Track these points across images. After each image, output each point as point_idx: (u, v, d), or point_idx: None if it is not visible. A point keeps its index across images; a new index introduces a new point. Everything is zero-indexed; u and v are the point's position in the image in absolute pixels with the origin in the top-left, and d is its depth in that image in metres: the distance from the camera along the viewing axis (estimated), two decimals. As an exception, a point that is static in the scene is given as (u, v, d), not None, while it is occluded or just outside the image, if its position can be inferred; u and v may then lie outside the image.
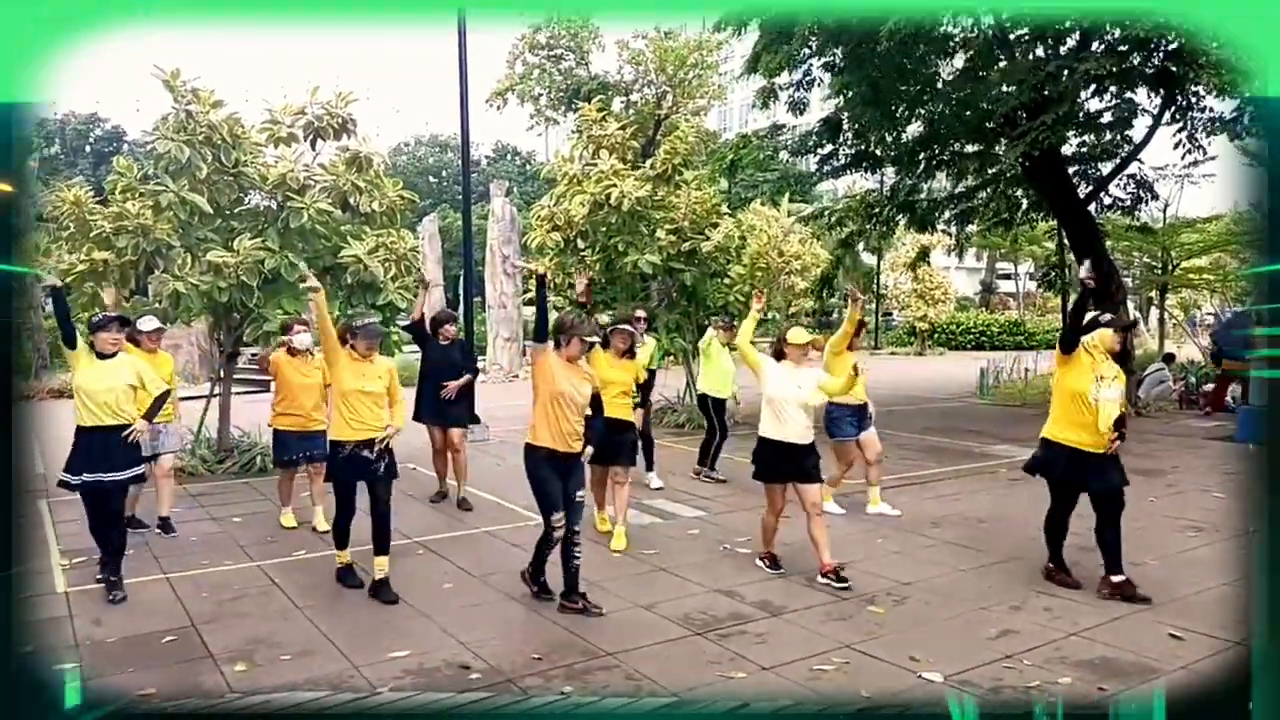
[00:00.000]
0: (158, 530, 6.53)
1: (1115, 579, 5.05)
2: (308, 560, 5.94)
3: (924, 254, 22.56)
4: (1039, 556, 5.64)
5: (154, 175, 8.41)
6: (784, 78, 13.84)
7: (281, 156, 8.89)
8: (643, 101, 26.54)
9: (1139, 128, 13.70)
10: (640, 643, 4.44)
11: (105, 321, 5.20)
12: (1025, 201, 16.20)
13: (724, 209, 12.33)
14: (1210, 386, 14.53)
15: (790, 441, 5.30)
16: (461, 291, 20.17)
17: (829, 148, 14.87)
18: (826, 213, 17.38)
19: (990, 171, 15.35)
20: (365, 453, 5.07)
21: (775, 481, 5.45)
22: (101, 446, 5.03)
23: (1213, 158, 13.69)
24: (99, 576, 5.30)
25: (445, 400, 7.21)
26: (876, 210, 16.03)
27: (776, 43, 13.02)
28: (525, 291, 20.31)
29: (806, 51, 13.44)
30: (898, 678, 4.03)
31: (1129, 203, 15.36)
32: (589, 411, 5.03)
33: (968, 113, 13.16)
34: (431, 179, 49.18)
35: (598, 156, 11.54)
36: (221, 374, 9.44)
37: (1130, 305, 18.47)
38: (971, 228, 18.02)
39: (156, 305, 8.24)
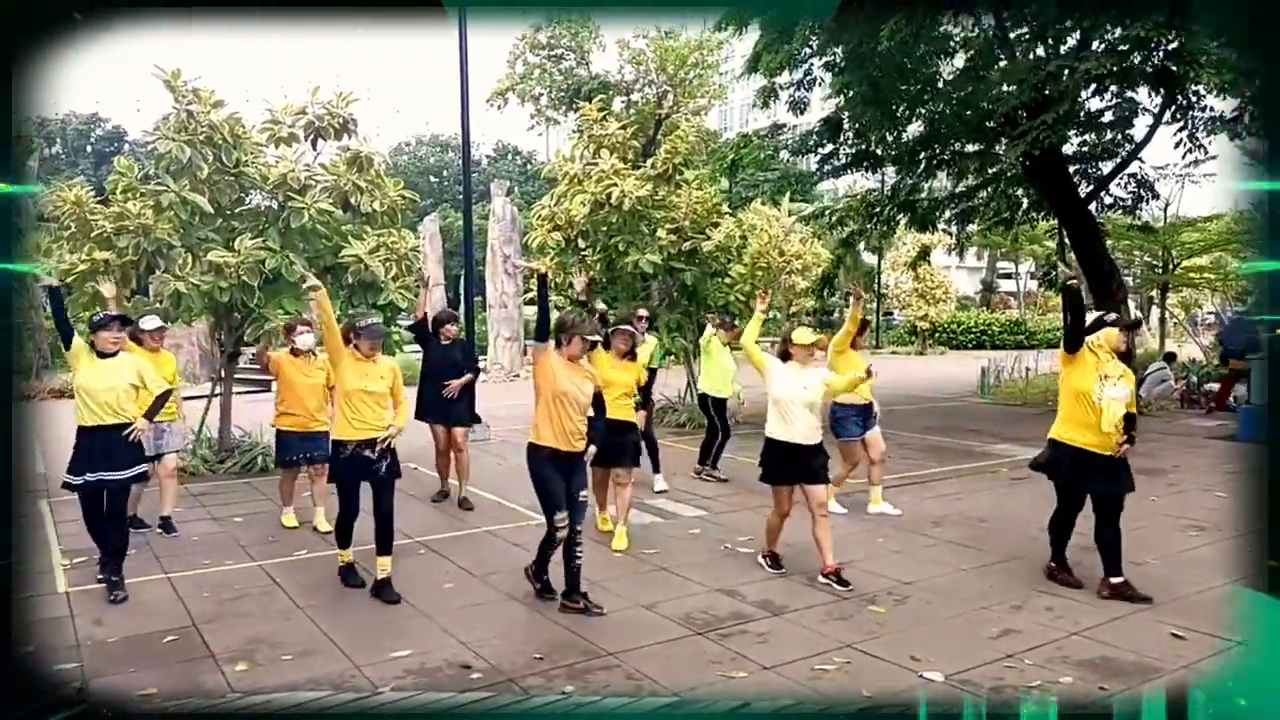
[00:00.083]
0: (159, 530, 6.54)
1: (1114, 580, 5.05)
2: (309, 560, 5.94)
3: (925, 253, 22.55)
4: (1040, 556, 5.64)
5: (155, 175, 8.42)
6: (784, 77, 13.84)
7: (282, 156, 8.89)
8: (643, 101, 26.54)
9: (1140, 127, 13.70)
10: (641, 642, 4.44)
11: (106, 321, 5.20)
12: (1026, 201, 16.19)
13: (725, 208, 12.33)
14: (1212, 385, 14.54)
15: (797, 442, 5.28)
16: (462, 291, 20.17)
17: (829, 147, 14.87)
18: (827, 212, 17.36)
19: (991, 171, 15.34)
20: (368, 452, 5.07)
21: (782, 483, 5.42)
22: (103, 446, 5.03)
23: (1213, 157, 13.69)
24: (100, 576, 5.31)
25: (448, 399, 7.22)
26: (877, 210, 16.02)
27: (777, 42, 13.02)
28: (526, 291, 20.31)
29: (807, 51, 13.45)
30: (899, 677, 4.03)
31: (1130, 202, 15.36)
32: (591, 411, 5.03)
33: (968, 112, 13.16)
34: (432, 179, 49.18)
35: (598, 156, 11.54)
36: (222, 374, 9.45)
37: (1131, 304, 18.46)
38: (972, 227, 18.01)
39: (158, 305, 8.24)
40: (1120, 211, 15.86)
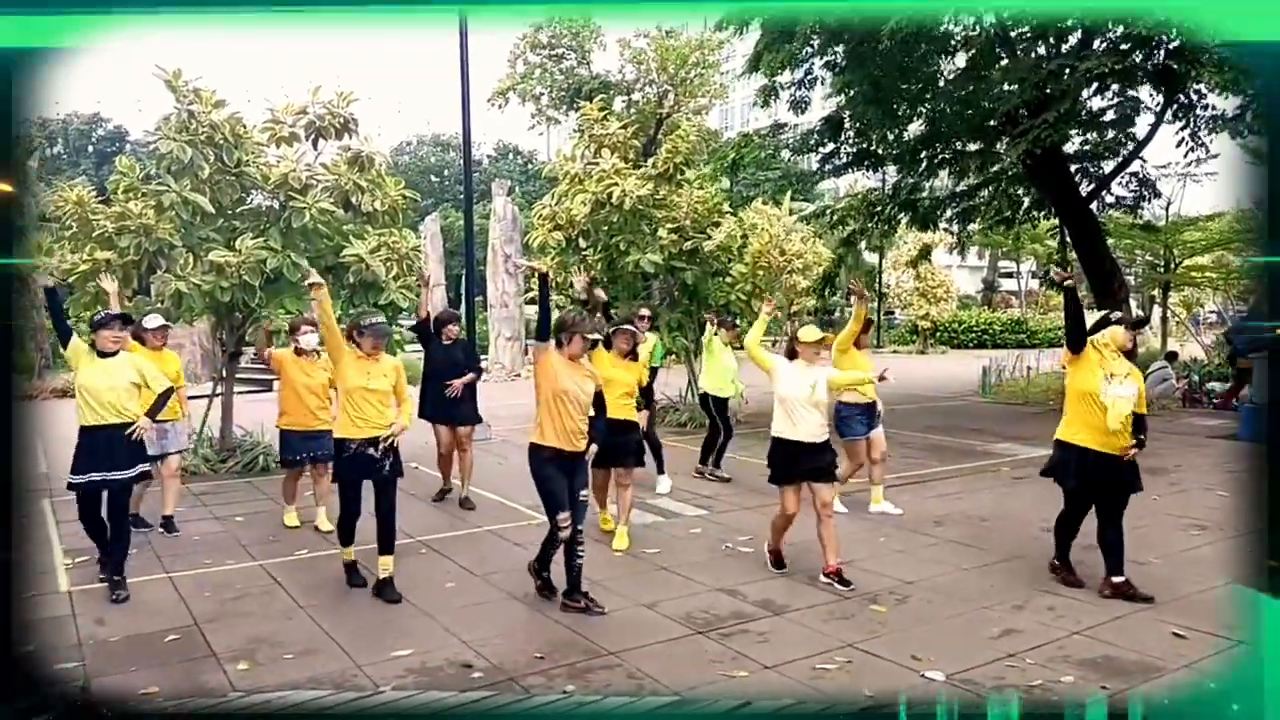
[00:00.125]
0: (161, 529, 6.54)
1: (1116, 580, 5.04)
2: (310, 559, 5.95)
3: (926, 252, 22.53)
4: (1041, 555, 5.64)
5: (156, 175, 8.43)
6: (785, 76, 13.83)
7: (283, 156, 8.90)
8: (644, 100, 26.53)
9: (1141, 125, 13.69)
10: (642, 641, 4.44)
11: (107, 320, 5.21)
12: (1027, 200, 16.18)
13: (725, 208, 12.32)
14: (1215, 385, 14.53)
15: (804, 441, 5.25)
16: (463, 291, 20.18)
17: (830, 146, 14.86)
18: (828, 211, 17.36)
19: (992, 170, 15.33)
20: (370, 451, 5.06)
21: (790, 483, 5.35)
22: (105, 445, 5.04)
23: (1215, 155, 13.67)
24: (101, 576, 5.31)
25: (452, 399, 7.22)
26: (878, 209, 16.01)
27: (778, 42, 13.02)
28: (527, 291, 20.32)
29: (808, 50, 13.44)
30: (900, 677, 4.03)
31: (1131, 201, 15.35)
32: (592, 411, 5.02)
33: (969, 111, 13.15)
34: (433, 178, 49.19)
35: (599, 155, 11.54)
36: (224, 373, 9.46)
37: (1133, 303, 18.44)
38: (973, 226, 17.99)
39: (159, 305, 8.25)
40: (1122, 210, 15.85)
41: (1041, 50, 13.36)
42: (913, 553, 6.05)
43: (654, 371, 7.74)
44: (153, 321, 6.65)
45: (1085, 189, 14.74)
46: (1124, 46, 11.76)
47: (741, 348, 6.84)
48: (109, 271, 8.02)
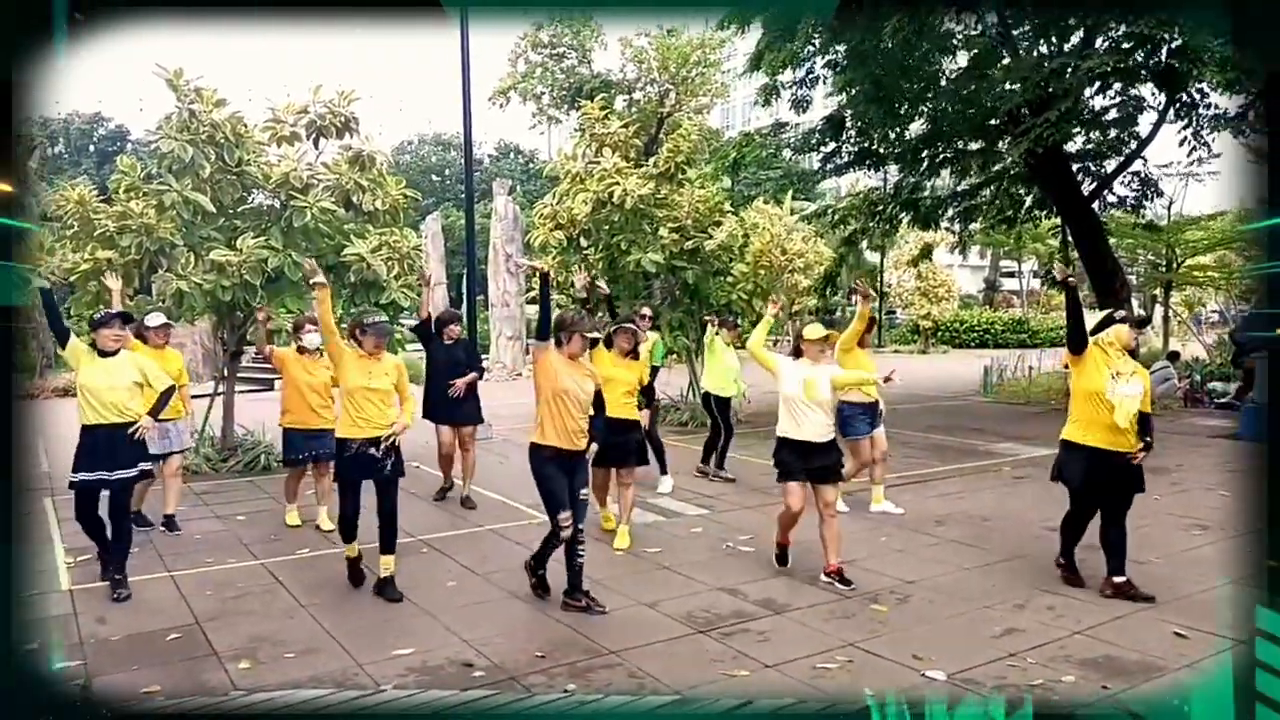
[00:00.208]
0: (162, 528, 6.55)
1: (1117, 580, 5.03)
2: (312, 558, 5.95)
3: (927, 251, 22.51)
4: (1043, 554, 5.64)
5: (157, 174, 8.43)
6: (787, 75, 13.84)
7: (284, 155, 8.90)
8: (645, 99, 26.52)
9: (1144, 124, 13.69)
10: (643, 641, 4.44)
11: (107, 318, 5.20)
12: (1029, 199, 16.18)
13: (727, 207, 12.32)
14: (1216, 384, 14.51)
15: (810, 440, 5.24)
16: (465, 290, 20.19)
17: (832, 145, 14.87)
18: (830, 211, 17.36)
19: (993, 169, 15.33)
20: (372, 451, 5.06)
21: (796, 479, 5.29)
22: (107, 444, 5.04)
23: (1217, 155, 13.67)
24: (103, 575, 5.32)
25: (455, 399, 7.22)
26: (880, 208, 16.01)
27: (779, 41, 13.01)
28: (528, 290, 20.32)
29: (810, 49, 13.44)
30: (901, 676, 4.03)
31: (1134, 200, 15.34)
32: (591, 410, 5.02)
33: (971, 110, 13.15)
34: (434, 178, 49.19)
35: (600, 155, 11.54)
36: (225, 372, 9.46)
37: (1135, 303, 18.43)
38: (975, 225, 18.00)
39: (160, 304, 8.26)
40: (1124, 210, 15.84)
41: (1043, 49, 13.35)
42: (914, 552, 6.05)
43: (655, 370, 7.73)
44: (155, 320, 6.66)
45: (1087, 188, 14.73)
46: (1126, 45, 11.75)
47: (743, 347, 6.83)
48: (112, 270, 8.04)
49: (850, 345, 6.68)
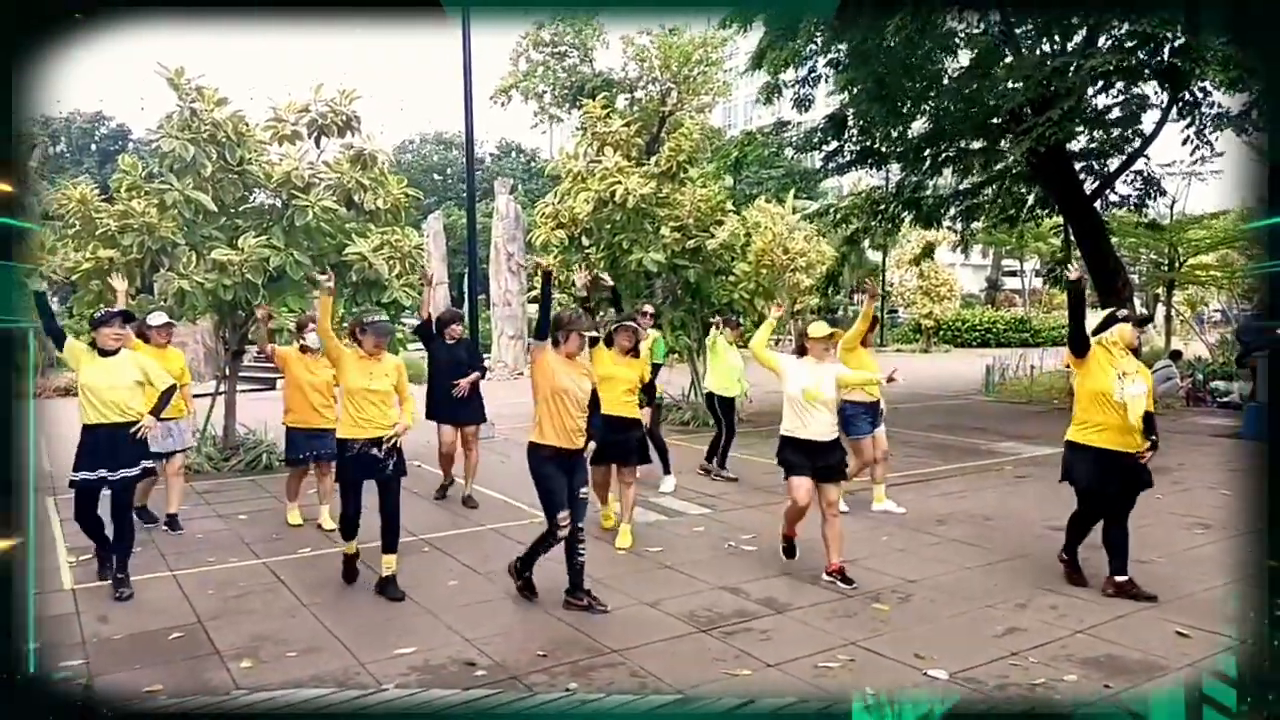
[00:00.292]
0: (164, 527, 6.56)
1: (1119, 579, 5.02)
2: (313, 557, 5.95)
3: (929, 250, 22.48)
4: (1044, 554, 5.63)
5: (159, 173, 8.44)
6: (789, 74, 13.83)
7: (286, 154, 8.90)
8: (647, 98, 26.51)
9: (1147, 123, 13.67)
10: (645, 640, 4.44)
11: (108, 317, 5.20)
12: (1031, 198, 16.17)
13: (729, 206, 12.31)
14: (1219, 383, 14.50)
15: (814, 439, 5.23)
16: (466, 289, 20.20)
17: (834, 144, 14.86)
18: (832, 210, 17.35)
19: (996, 168, 15.32)
20: (374, 451, 5.07)
21: (801, 475, 5.26)
22: (109, 443, 5.04)
23: (1220, 154, 13.64)
24: (100, 573, 5.32)
25: (458, 399, 7.21)
26: (882, 207, 16.00)
27: (781, 39, 13.01)
28: (530, 289, 20.33)
29: (812, 48, 13.43)
30: (903, 675, 4.02)
31: (1136, 199, 15.32)
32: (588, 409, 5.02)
33: (973, 109, 13.14)
34: (436, 176, 49.20)
35: (602, 153, 11.53)
36: (227, 371, 9.47)
37: (1138, 302, 18.40)
38: (977, 224, 17.99)
39: (162, 303, 8.26)
40: (1126, 209, 15.83)
41: (1046, 47, 13.34)
42: (915, 551, 6.05)
43: (656, 368, 7.71)
44: (157, 319, 6.66)
45: (1089, 187, 14.72)
46: (1129, 44, 11.73)
47: (745, 346, 6.82)
48: (115, 270, 8.05)
49: (853, 344, 6.67)
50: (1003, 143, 13.92)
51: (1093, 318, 5.25)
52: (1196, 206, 22.61)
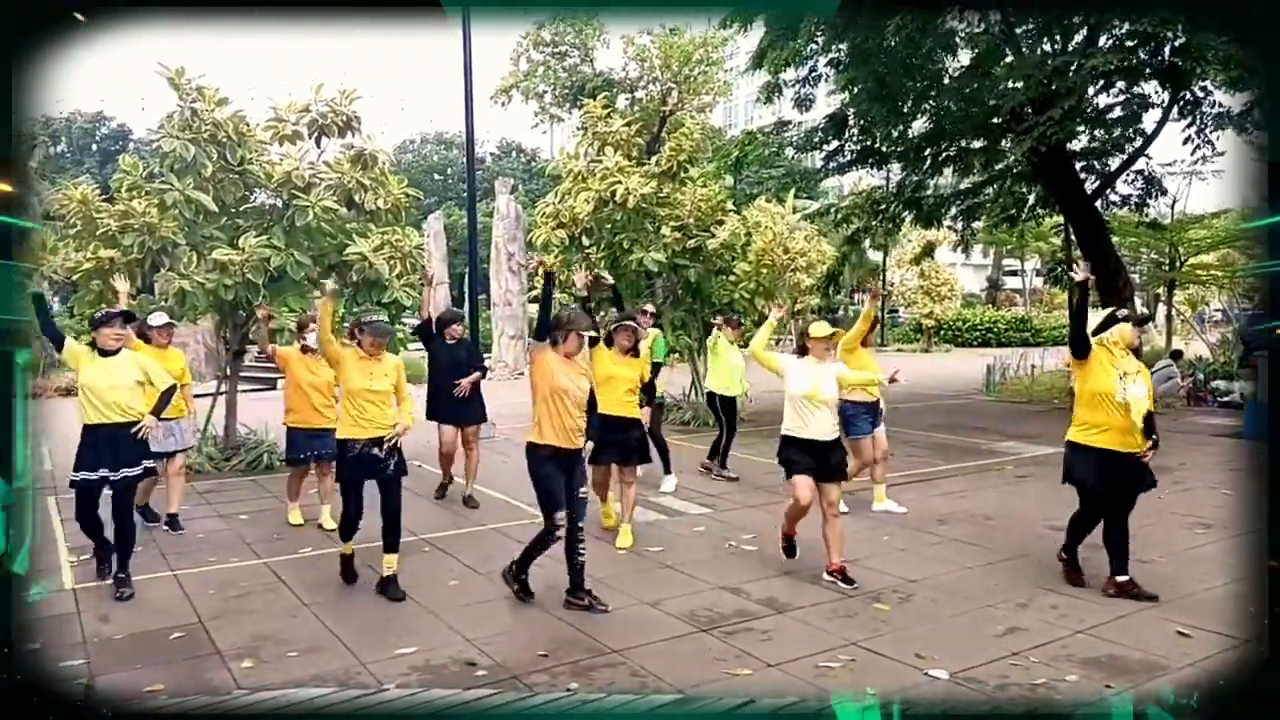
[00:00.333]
0: (165, 527, 6.56)
1: (1120, 579, 5.02)
2: (314, 557, 5.95)
3: (929, 249, 22.46)
4: (1045, 553, 5.63)
5: (159, 173, 8.44)
6: (789, 73, 13.82)
7: (286, 154, 8.90)
8: (648, 98, 26.50)
9: (1148, 122, 13.66)
10: (646, 639, 4.44)
11: (108, 317, 5.19)
12: (1031, 197, 16.16)
13: (729, 206, 12.31)
14: (1219, 383, 14.49)
15: (816, 439, 5.22)
16: (467, 289, 20.20)
17: (834, 144, 14.85)
18: (832, 209, 17.35)
19: (996, 167, 15.31)
20: (375, 451, 5.07)
21: (803, 474, 5.25)
22: (110, 443, 5.04)
23: (1221, 153, 13.63)
24: (99, 573, 5.32)
25: (459, 399, 7.21)
26: (882, 207, 16.00)
27: (782, 39, 13.00)
28: (530, 289, 20.33)
29: (812, 47, 13.42)
30: (903, 675, 4.02)
31: (1137, 198, 15.32)
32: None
33: (974, 108, 13.14)
34: (436, 176, 49.22)
35: (603, 153, 11.53)
36: (228, 371, 9.47)
37: (1138, 301, 18.40)
38: (978, 224, 17.99)
39: (163, 303, 8.27)
40: (1127, 208, 15.82)
41: (1046, 47, 13.33)
42: (916, 551, 6.05)
43: (657, 367, 7.70)
44: (158, 319, 6.66)
45: (1090, 186, 14.71)
46: (1129, 43, 11.73)
47: (747, 345, 6.81)
48: (117, 270, 8.05)
49: (854, 345, 6.66)
50: (1003, 142, 13.92)
51: (1093, 317, 5.25)
52: (1197, 206, 22.57)
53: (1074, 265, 5.19)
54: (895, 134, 14.45)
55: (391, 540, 5.15)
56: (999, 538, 6.35)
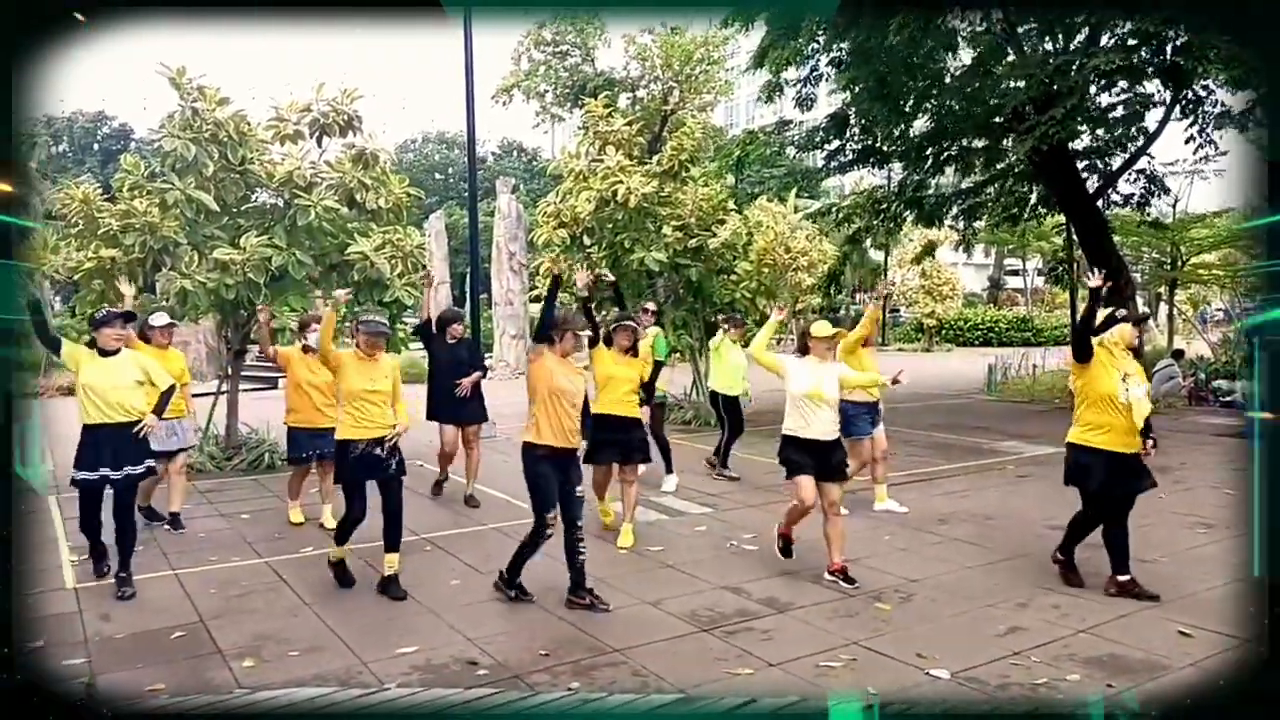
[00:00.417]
0: (167, 526, 6.57)
1: (1121, 578, 5.01)
2: (315, 556, 5.95)
3: (930, 249, 22.45)
4: (1046, 553, 5.61)
5: (161, 173, 8.44)
6: (791, 73, 13.82)
7: (288, 154, 8.90)
8: (649, 97, 26.52)
9: (1150, 121, 13.64)
10: (647, 639, 4.44)
11: (110, 317, 5.19)
12: (1033, 196, 16.15)
13: (730, 205, 12.31)
14: (1221, 382, 14.48)
15: (817, 438, 5.22)
16: (468, 288, 20.21)
17: (836, 143, 14.85)
18: (834, 209, 17.34)
19: (998, 166, 15.30)
20: (378, 451, 5.08)
21: (806, 474, 5.24)
22: (112, 442, 5.04)
23: (1223, 152, 13.62)
24: (95, 573, 5.32)
25: (460, 399, 7.20)
26: (884, 206, 15.99)
27: (783, 38, 12.99)
28: (532, 289, 20.34)
29: (814, 46, 13.41)
30: (905, 674, 4.02)
31: (1139, 197, 15.30)
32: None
33: (975, 107, 13.13)
34: (437, 176, 49.24)
35: (604, 153, 11.53)
36: (229, 371, 9.48)
37: (1140, 301, 18.38)
38: (979, 223, 17.98)
39: (164, 303, 8.27)
40: (1129, 207, 15.81)
41: (1048, 46, 13.32)
42: (917, 551, 6.04)
43: (658, 366, 7.68)
44: (160, 319, 6.66)
45: (1092, 185, 14.70)
46: (1131, 42, 11.71)
47: (748, 345, 6.80)
48: (117, 269, 8.06)
49: (854, 347, 6.66)
50: (1005, 141, 13.91)
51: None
52: (1199, 205, 22.53)
53: (1088, 273, 5.13)
54: (897, 133, 14.44)
55: (392, 540, 5.15)
56: (1000, 537, 6.35)
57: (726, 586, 5.27)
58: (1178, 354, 16.26)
